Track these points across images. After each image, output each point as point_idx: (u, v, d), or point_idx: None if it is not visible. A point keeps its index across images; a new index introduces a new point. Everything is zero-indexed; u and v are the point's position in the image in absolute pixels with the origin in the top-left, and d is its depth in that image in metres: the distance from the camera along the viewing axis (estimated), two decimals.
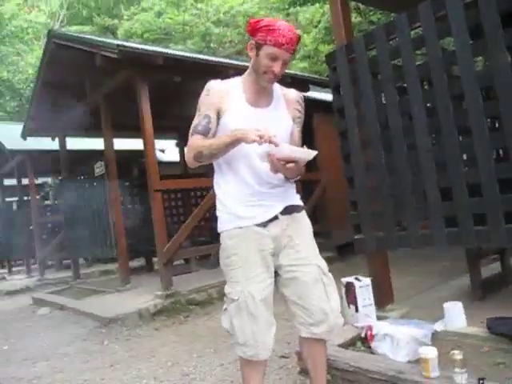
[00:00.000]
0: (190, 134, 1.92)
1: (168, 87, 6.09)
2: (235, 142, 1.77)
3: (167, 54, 5.76)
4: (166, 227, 5.53)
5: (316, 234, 2.07)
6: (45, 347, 4.39)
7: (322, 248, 2.07)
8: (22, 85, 19.26)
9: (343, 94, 3.06)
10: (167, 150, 12.03)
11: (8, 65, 18.42)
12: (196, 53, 11.75)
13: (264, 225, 1.91)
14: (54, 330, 5.06)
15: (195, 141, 1.87)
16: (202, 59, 6.29)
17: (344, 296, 3.04)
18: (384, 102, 2.86)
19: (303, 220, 2.02)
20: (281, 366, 2.97)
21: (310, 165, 1.82)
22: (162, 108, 6.55)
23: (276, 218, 1.92)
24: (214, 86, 1.94)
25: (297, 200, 2.03)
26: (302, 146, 1.88)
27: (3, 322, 6.19)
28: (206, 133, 1.88)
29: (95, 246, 7.08)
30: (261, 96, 1.94)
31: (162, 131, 8.07)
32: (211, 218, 6.93)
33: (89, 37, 6.68)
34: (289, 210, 1.96)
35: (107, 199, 6.49)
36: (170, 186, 6.38)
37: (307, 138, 2.21)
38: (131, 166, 8.03)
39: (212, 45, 17.61)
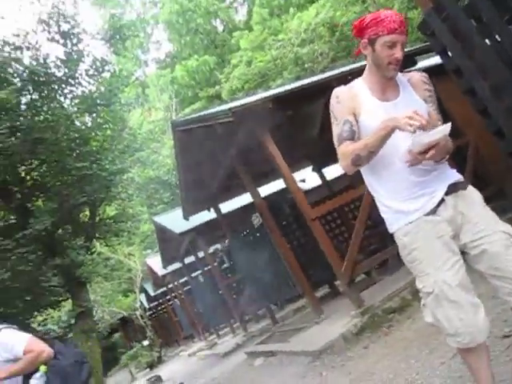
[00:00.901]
0: (336, 145, 1.95)
1: (285, 123, 6.35)
2: (390, 132, 1.77)
3: (272, 96, 6.04)
4: (335, 250, 5.62)
5: (491, 198, 1.95)
6: None
7: (503, 210, 1.94)
8: (167, 176, 21.85)
9: (452, 54, 2.91)
10: (307, 177, 12.33)
11: (151, 164, 21.18)
12: (294, 80, 12.10)
13: (433, 211, 1.87)
14: (274, 375, 5.42)
15: (347, 147, 1.88)
16: (306, 84, 6.38)
17: None
18: (499, 40, 2.65)
19: (470, 192, 1.94)
20: (507, 347, 2.75)
21: (450, 132, 1.75)
22: (289, 142, 6.81)
23: (443, 200, 1.87)
24: (341, 92, 1.99)
25: (456, 176, 1.95)
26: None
27: (231, 380, 6.84)
28: (352, 137, 1.90)
29: (279, 290, 7.49)
30: (388, 90, 1.96)
31: (295, 163, 8.36)
32: (374, 224, 6.83)
33: (203, 113, 7.38)
34: (452, 189, 1.90)
35: (273, 243, 6.88)
36: (323, 211, 6.52)
37: None
38: (282, 205, 8.42)
39: (306, 65, 17.91)
